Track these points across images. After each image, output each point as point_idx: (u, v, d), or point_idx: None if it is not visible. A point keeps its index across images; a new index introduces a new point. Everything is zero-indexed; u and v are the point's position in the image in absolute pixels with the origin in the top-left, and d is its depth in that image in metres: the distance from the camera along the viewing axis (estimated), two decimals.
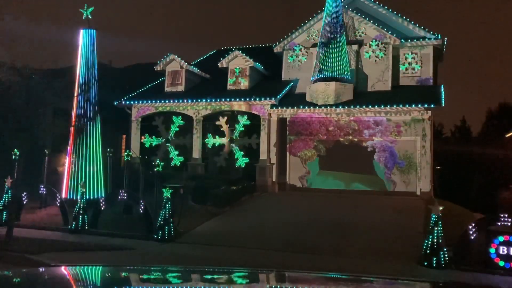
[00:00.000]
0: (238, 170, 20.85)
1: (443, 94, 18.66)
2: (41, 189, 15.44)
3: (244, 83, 21.73)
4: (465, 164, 22.94)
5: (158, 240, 12.30)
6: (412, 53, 20.33)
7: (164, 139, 22.46)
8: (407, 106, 18.35)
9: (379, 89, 20.10)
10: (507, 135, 27.98)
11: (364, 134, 19.43)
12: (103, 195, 16.34)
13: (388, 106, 18.58)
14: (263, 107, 20.40)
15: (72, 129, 17.05)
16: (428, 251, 10.20)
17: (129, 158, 16.69)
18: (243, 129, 21.20)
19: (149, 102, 22.17)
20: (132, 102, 22.47)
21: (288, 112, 20.26)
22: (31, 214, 15.38)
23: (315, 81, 20.16)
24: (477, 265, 10.01)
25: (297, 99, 20.45)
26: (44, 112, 20.29)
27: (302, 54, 21.76)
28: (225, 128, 21.45)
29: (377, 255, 11.00)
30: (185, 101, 21.51)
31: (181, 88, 22.71)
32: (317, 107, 19.62)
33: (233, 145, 21.18)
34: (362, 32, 20.81)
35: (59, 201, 14.81)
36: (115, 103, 22.49)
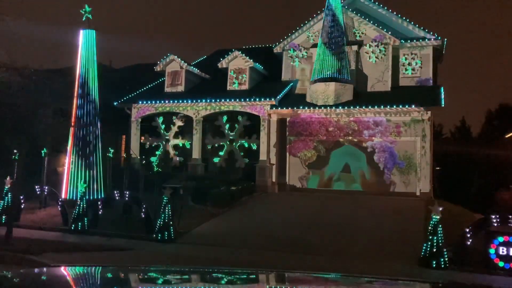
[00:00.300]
0: (238, 171, 20.86)
1: (442, 94, 18.67)
2: (44, 189, 15.43)
3: (244, 84, 21.74)
4: (465, 165, 22.93)
5: (158, 241, 12.29)
6: (412, 54, 20.33)
7: (164, 139, 22.46)
8: (406, 106, 18.35)
9: (378, 90, 20.11)
10: (507, 136, 27.98)
11: (364, 135, 19.43)
12: (103, 196, 16.34)
13: (388, 107, 18.58)
14: (263, 107, 20.40)
15: (72, 129, 17.05)
16: (428, 252, 10.20)
17: (129, 159, 16.70)
18: (243, 129, 21.20)
19: (149, 102, 22.17)
20: (132, 103, 22.48)
21: (288, 113, 20.26)
22: (31, 214, 15.37)
23: (315, 82, 20.17)
24: (477, 266, 10.01)
25: (297, 100, 20.45)
26: (44, 113, 20.29)
27: (302, 54, 21.76)
28: (224, 128, 21.45)
29: (377, 256, 11.00)
30: (185, 101, 21.51)
31: (181, 88, 22.72)
32: (316, 108, 19.62)
33: (233, 145, 21.19)
34: (362, 33, 20.82)
35: (59, 201, 14.80)
36: (115, 103, 22.49)
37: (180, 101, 21.63)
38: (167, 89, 22.95)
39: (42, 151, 16.99)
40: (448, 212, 12.30)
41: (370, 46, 20.54)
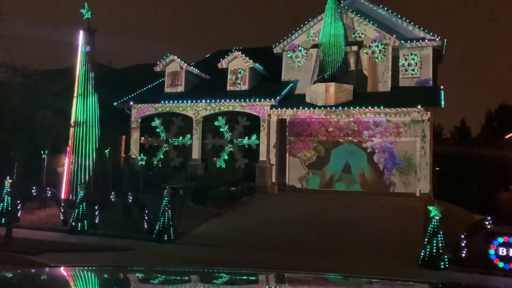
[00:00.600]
0: (237, 171, 20.85)
1: (442, 95, 18.67)
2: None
3: (243, 84, 21.75)
4: (464, 165, 22.94)
5: (158, 241, 12.28)
6: (411, 54, 20.34)
7: (164, 139, 22.47)
8: (406, 107, 18.35)
9: (378, 90, 20.11)
10: (506, 136, 27.98)
11: (364, 135, 19.43)
12: (102, 196, 16.32)
13: (388, 107, 18.58)
14: (262, 108, 20.40)
15: (71, 129, 17.05)
16: (427, 252, 10.20)
17: (128, 159, 16.70)
18: (242, 130, 21.20)
19: (149, 103, 22.16)
20: (131, 103, 22.48)
21: (287, 113, 20.26)
22: (31, 214, 15.37)
23: (314, 82, 20.17)
24: (476, 266, 10.01)
25: (296, 100, 20.46)
26: (44, 113, 20.25)
27: (302, 55, 21.76)
28: (224, 129, 21.46)
29: (377, 256, 11.00)
30: (185, 101, 21.51)
31: (180, 88, 22.73)
32: (316, 108, 19.63)
33: (233, 146, 21.19)
34: (362, 33, 20.82)
35: (58, 201, 14.79)
36: (115, 103, 22.49)
37: (180, 102, 21.63)
38: (167, 90, 22.95)
39: (42, 152, 16.99)
40: (447, 212, 12.29)
41: (370, 46, 20.54)
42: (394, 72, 20.31)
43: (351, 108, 19.16)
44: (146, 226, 13.13)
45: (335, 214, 15.10)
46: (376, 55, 20.44)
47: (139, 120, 22.58)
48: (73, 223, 13.55)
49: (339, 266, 10.09)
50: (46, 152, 17.07)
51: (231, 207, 16.60)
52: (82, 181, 16.13)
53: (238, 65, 21.89)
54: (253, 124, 20.85)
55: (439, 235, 10.23)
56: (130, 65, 32.70)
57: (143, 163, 18.64)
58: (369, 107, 18.84)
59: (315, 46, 20.98)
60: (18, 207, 14.90)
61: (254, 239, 12.74)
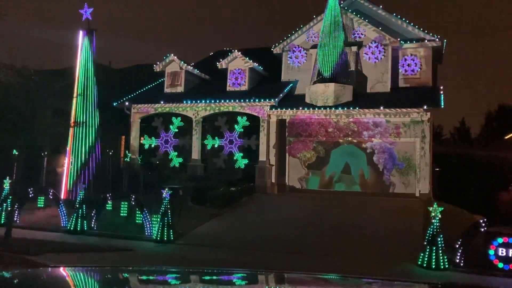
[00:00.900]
0: (237, 171, 20.85)
1: (442, 95, 18.66)
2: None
3: (243, 84, 21.76)
4: (464, 166, 22.94)
5: (157, 241, 12.29)
6: (411, 55, 20.33)
7: (164, 140, 22.47)
8: (406, 107, 18.36)
9: (378, 91, 20.11)
10: (506, 137, 28.00)
11: (364, 136, 19.44)
12: (102, 196, 16.31)
13: (388, 108, 18.58)
14: (262, 108, 20.40)
15: (71, 130, 17.05)
16: (427, 253, 10.21)
17: (128, 159, 16.69)
18: (242, 130, 21.21)
19: (149, 103, 22.16)
20: (131, 103, 22.48)
21: (287, 113, 20.26)
22: (30, 214, 15.36)
23: (314, 83, 20.17)
24: (476, 267, 10.02)
25: (296, 100, 20.45)
26: (43, 113, 20.25)
27: (302, 55, 21.76)
28: (224, 129, 21.46)
29: (376, 256, 11.01)
30: (185, 102, 21.51)
31: (180, 89, 22.73)
32: (316, 109, 19.63)
33: (232, 146, 21.19)
34: (362, 34, 20.83)
35: (58, 201, 14.79)
36: (115, 104, 22.49)
37: (180, 102, 21.64)
38: (167, 90, 22.96)
39: (42, 152, 16.99)
40: (447, 213, 12.30)
41: (369, 47, 20.54)
42: (393, 73, 20.31)
43: (351, 108, 19.16)
44: (146, 226, 13.13)
45: (335, 215, 15.10)
46: (375, 56, 20.44)
47: (139, 120, 22.58)
48: (73, 223, 13.56)
49: (339, 266, 10.09)
50: (46, 152, 17.06)
51: (230, 207, 16.60)
52: (82, 181, 16.12)
53: (238, 66, 21.90)
54: (252, 125, 20.85)
55: (439, 236, 10.23)
56: (130, 65, 32.73)
57: (143, 163, 18.66)
58: (369, 108, 18.84)
59: (314, 46, 20.98)
60: (15, 207, 14.89)
61: (253, 239, 12.74)
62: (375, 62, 20.45)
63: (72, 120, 17.18)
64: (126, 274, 3.08)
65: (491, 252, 9.97)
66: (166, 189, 12.88)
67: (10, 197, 14.57)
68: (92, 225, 13.84)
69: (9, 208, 13.79)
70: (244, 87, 21.68)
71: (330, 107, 19.35)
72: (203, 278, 2.96)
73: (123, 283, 2.83)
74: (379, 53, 20.38)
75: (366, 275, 3.23)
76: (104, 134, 17.85)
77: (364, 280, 3.06)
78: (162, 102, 21.91)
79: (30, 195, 15.38)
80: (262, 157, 20.18)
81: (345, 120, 19.68)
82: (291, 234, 13.09)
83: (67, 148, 17.19)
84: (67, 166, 17.06)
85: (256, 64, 21.89)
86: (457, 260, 10.25)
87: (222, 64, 22.15)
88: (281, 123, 20.59)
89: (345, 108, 19.24)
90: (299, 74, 21.67)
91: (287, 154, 20.54)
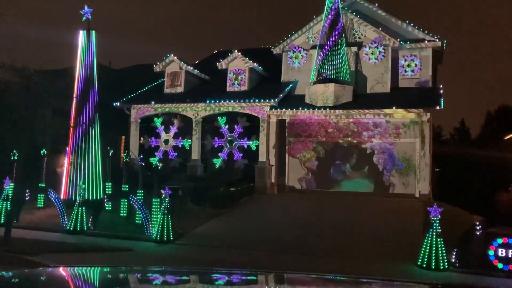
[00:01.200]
0: (237, 172, 20.84)
1: (442, 96, 18.66)
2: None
3: (243, 85, 21.75)
4: (464, 166, 22.95)
5: (157, 242, 12.29)
6: (411, 55, 20.33)
7: (163, 140, 22.47)
8: (406, 108, 18.35)
9: (378, 91, 20.10)
10: (506, 138, 28.00)
11: (363, 136, 19.44)
12: (102, 196, 16.33)
13: (387, 108, 18.57)
14: (262, 108, 20.40)
15: (71, 130, 17.04)
16: (427, 253, 10.21)
17: (128, 159, 16.68)
18: (242, 130, 21.20)
19: (149, 103, 22.17)
20: (131, 103, 22.48)
21: (287, 114, 20.26)
22: (30, 214, 15.36)
23: (314, 83, 20.17)
24: (476, 267, 10.02)
25: (296, 101, 20.45)
26: (44, 113, 20.28)
27: (302, 55, 21.76)
28: (224, 129, 21.46)
29: (376, 257, 11.01)
30: (185, 102, 21.50)
31: (180, 89, 22.72)
32: (316, 109, 19.62)
33: (232, 146, 21.19)
34: (362, 34, 20.82)
35: (58, 202, 14.78)
36: (114, 104, 22.48)
37: (180, 102, 21.63)
38: (167, 90, 22.95)
39: (42, 152, 16.99)
40: (447, 213, 12.30)
41: (369, 47, 20.54)
42: (393, 73, 20.29)
43: (351, 109, 19.16)
44: (145, 226, 13.13)
45: (335, 215, 15.10)
46: (375, 56, 20.44)
47: (139, 120, 22.58)
48: (73, 223, 13.55)
49: (339, 266, 10.09)
50: (46, 152, 17.06)
51: (230, 207, 16.60)
52: (82, 181, 16.12)
53: (237, 66, 21.90)
54: (252, 125, 20.85)
55: (438, 236, 10.23)
56: (130, 65, 32.71)
57: (143, 163, 18.63)
58: (369, 108, 18.84)
59: (314, 47, 20.98)
60: (9, 207, 14.90)
61: (253, 239, 12.74)
62: (375, 62, 20.44)
63: (72, 120, 17.18)
64: (126, 274, 3.08)
65: (491, 252, 9.97)
66: (166, 189, 12.88)
67: (10, 197, 14.58)
68: (92, 225, 13.83)
69: (9, 208, 13.79)
70: (244, 88, 21.68)
71: (330, 108, 19.35)
72: (203, 278, 2.96)
73: (122, 283, 2.82)
74: (379, 54, 20.38)
75: (366, 275, 3.24)
76: (103, 134, 17.84)
77: (364, 280, 3.06)
78: (162, 102, 21.90)
79: (27, 197, 15.36)
80: (262, 158, 20.18)
81: (345, 120, 19.68)
82: (291, 234, 13.09)
83: (67, 148, 17.18)
84: (67, 166, 17.05)
85: (256, 65, 21.89)
86: (457, 261, 10.26)
87: (222, 64, 22.14)
88: (281, 123, 20.58)
89: (345, 109, 19.23)
90: (299, 75, 21.67)
91: (287, 155, 20.55)
